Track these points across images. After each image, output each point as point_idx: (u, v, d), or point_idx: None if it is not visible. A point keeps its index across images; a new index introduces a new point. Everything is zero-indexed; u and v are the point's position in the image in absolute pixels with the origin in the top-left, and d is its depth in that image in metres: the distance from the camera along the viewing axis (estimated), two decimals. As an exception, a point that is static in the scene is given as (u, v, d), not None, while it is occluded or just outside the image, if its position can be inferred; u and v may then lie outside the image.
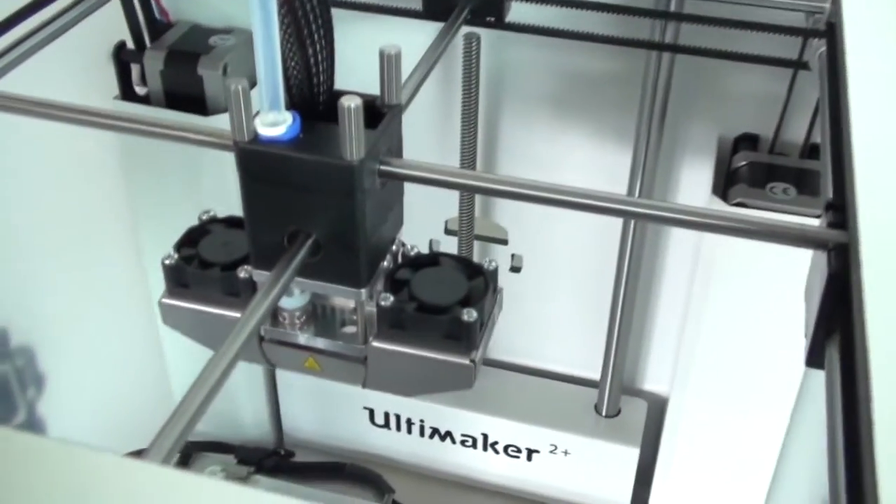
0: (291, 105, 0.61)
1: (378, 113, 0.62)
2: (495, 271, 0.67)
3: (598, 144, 1.19)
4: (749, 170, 1.07)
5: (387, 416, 1.40)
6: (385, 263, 0.66)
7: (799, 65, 0.94)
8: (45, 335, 1.07)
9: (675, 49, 1.00)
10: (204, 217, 0.73)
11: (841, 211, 0.55)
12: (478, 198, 1.26)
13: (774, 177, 1.05)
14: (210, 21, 1.15)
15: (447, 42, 0.90)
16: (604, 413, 1.36)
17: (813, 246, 0.55)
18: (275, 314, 0.69)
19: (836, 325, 0.51)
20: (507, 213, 1.31)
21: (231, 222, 0.72)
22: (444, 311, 0.64)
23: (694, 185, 1.17)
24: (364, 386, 0.69)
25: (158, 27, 1.12)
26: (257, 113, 0.59)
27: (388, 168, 0.61)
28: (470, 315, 0.63)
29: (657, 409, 1.38)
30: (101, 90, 1.11)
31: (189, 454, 1.42)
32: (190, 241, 0.71)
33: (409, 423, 1.39)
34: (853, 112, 0.59)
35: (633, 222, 1.16)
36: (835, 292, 0.51)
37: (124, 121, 0.65)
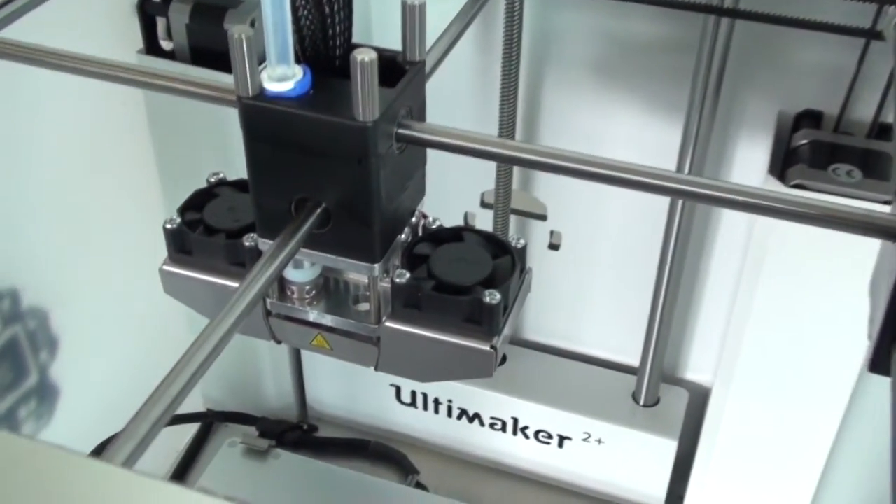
0: (304, 59, 0.56)
1: (400, 70, 0.56)
2: (523, 250, 0.62)
3: (646, 117, 1.12)
4: (810, 149, 1.00)
5: (413, 394, 1.35)
6: (402, 237, 0.60)
7: (871, 34, 0.87)
8: (59, 297, 1.04)
9: (735, 14, 0.93)
10: (212, 179, 0.68)
11: (915, 197, 0.48)
12: (516, 170, 1.20)
13: (838, 157, 0.98)
14: (241, -26, 1.10)
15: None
16: (642, 402, 1.30)
17: (881, 235, 0.49)
18: (282, 287, 0.64)
19: (908, 328, 0.45)
20: (547, 187, 1.25)
21: (242, 185, 0.66)
22: (464, 291, 0.59)
23: (749, 163, 1.11)
24: (376, 368, 0.64)
25: (187, -22, 1.07)
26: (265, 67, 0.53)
27: (407, 131, 0.55)
28: (493, 297, 0.58)
29: (698, 399, 1.32)
30: (125, 44, 1.06)
31: (210, 424, 1.39)
32: (195, 204, 0.66)
33: (437, 402, 1.34)
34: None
35: (681, 201, 1.10)
36: (907, 290, 0.45)
37: (119, 70, 0.60)
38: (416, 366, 0.63)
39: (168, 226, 0.64)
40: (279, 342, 0.67)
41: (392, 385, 1.36)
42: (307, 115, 0.52)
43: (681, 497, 1.31)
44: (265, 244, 0.59)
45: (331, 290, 0.65)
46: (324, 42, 0.56)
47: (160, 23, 1.07)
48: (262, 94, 0.53)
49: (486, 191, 1.26)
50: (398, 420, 1.40)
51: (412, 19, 0.56)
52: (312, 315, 0.63)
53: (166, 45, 1.08)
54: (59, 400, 1.07)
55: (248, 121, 0.54)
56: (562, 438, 1.31)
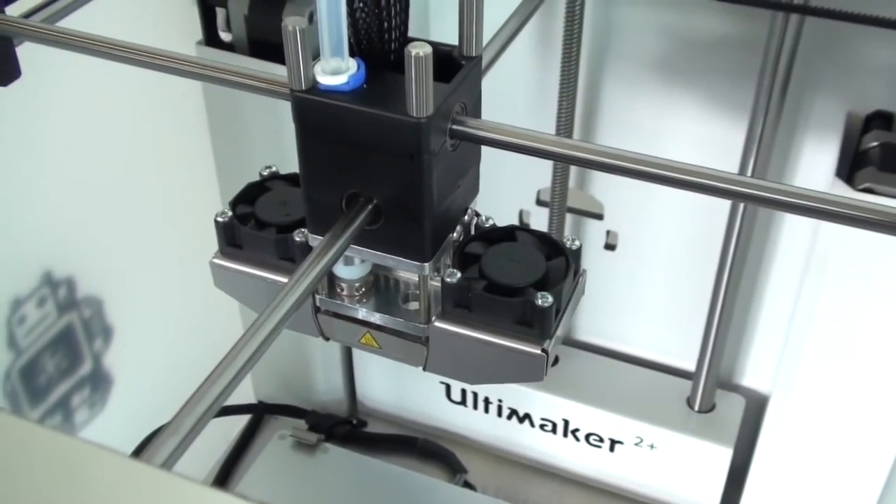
0: (358, 52, 0.55)
1: (456, 65, 0.55)
2: (578, 251, 0.60)
3: (709, 116, 1.09)
4: (881, 152, 0.96)
5: (464, 392, 1.34)
6: (454, 235, 0.59)
7: (950, 34, 0.82)
8: (115, 286, 1.05)
9: (804, 10, 0.90)
10: (265, 172, 0.67)
11: None
12: (573, 169, 1.18)
13: (910, 161, 0.94)
14: (301, -34, 1.09)
15: (546, -7, 0.82)
16: (696, 407, 1.27)
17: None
18: (332, 284, 0.63)
19: None
20: (605, 186, 1.23)
21: (294, 179, 0.66)
22: (516, 292, 0.57)
23: (816, 165, 1.07)
24: (425, 368, 0.63)
25: (247, -31, 1.06)
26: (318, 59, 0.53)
27: (461, 128, 0.54)
28: (545, 299, 0.56)
29: (756, 407, 1.28)
30: (185, 35, 1.07)
31: (261, 416, 1.39)
32: (248, 198, 0.65)
33: (487, 401, 1.33)
34: None
35: (742, 204, 1.07)
36: None
37: (171, 60, 0.60)
38: (464, 367, 0.62)
39: (219, 219, 0.63)
40: (327, 339, 0.66)
41: (442, 383, 1.35)
42: (359, 109, 0.51)
43: (735, 506, 1.28)
44: (315, 240, 0.58)
45: (380, 288, 0.64)
46: (379, 35, 0.55)
47: (220, 14, 1.08)
48: (314, 87, 0.52)
49: (542, 188, 1.24)
50: (447, 418, 1.39)
51: (469, 13, 0.54)
52: (361, 313, 0.62)
53: (225, 36, 1.08)
54: (113, 388, 1.08)
55: (301, 114, 0.53)
56: (613, 442, 1.29)
